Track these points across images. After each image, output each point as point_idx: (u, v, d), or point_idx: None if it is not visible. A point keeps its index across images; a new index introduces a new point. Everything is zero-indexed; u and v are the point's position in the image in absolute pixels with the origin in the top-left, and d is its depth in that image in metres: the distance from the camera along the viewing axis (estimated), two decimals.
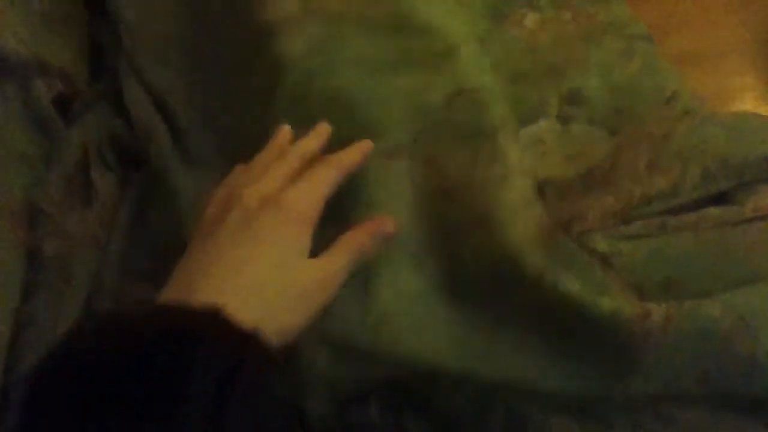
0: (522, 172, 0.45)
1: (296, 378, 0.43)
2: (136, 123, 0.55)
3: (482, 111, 0.47)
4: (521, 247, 0.43)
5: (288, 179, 0.41)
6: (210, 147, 0.53)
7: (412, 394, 0.44)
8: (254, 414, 0.31)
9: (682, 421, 0.41)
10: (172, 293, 0.37)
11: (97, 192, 0.54)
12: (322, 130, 0.45)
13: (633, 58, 0.56)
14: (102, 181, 0.55)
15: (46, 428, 0.29)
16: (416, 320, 0.43)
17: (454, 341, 0.43)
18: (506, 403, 0.42)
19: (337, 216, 0.44)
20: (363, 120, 0.47)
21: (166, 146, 0.53)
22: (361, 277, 0.43)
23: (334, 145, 0.45)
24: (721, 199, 0.47)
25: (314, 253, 0.40)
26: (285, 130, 0.46)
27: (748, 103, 0.60)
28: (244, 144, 0.50)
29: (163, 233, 0.52)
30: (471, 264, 0.44)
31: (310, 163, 0.43)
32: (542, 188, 0.48)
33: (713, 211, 0.46)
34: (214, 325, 0.32)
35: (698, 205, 0.46)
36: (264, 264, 0.38)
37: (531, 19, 0.59)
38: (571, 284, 0.41)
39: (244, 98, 0.52)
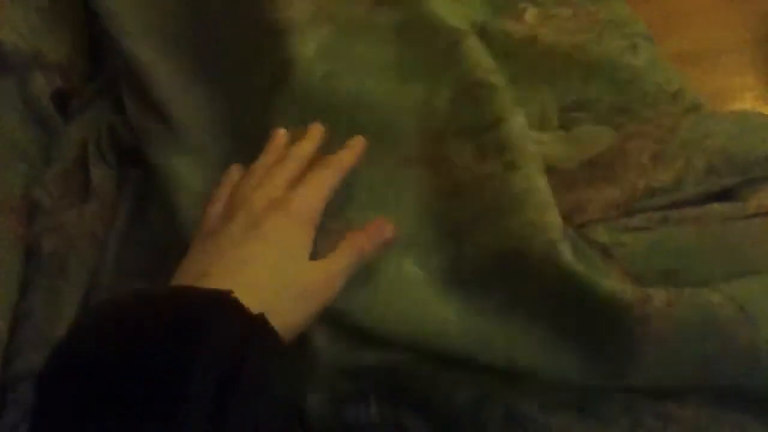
0: (530, 157, 0.45)
1: (298, 366, 0.43)
2: (134, 120, 0.55)
3: (484, 104, 0.47)
4: (528, 230, 0.43)
5: (290, 182, 0.43)
6: (209, 145, 0.53)
7: (412, 394, 0.44)
8: (255, 413, 0.31)
9: (683, 420, 0.41)
10: None
11: (95, 188, 0.54)
12: (317, 132, 0.47)
13: (637, 55, 0.56)
14: (100, 177, 0.55)
15: (47, 429, 0.29)
16: (417, 302, 0.44)
17: (457, 324, 0.43)
18: (506, 403, 0.42)
19: (343, 219, 0.44)
20: (373, 128, 0.47)
21: (164, 144, 0.53)
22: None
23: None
24: (724, 195, 0.47)
25: (316, 254, 0.41)
26: (281, 134, 0.47)
27: (747, 103, 0.60)
28: (243, 142, 0.50)
29: (161, 231, 0.52)
30: (476, 254, 0.45)
31: (309, 164, 0.44)
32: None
33: (716, 207, 0.46)
34: (220, 306, 0.33)
35: (701, 200, 0.47)
36: (265, 263, 0.39)
37: (531, 14, 0.59)
38: (576, 263, 0.41)
39: (245, 98, 0.52)
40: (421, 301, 0.44)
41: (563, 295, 0.42)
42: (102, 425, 0.28)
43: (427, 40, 0.50)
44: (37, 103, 0.55)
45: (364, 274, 0.43)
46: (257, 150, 0.46)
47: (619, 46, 0.57)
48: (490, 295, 0.44)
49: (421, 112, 0.48)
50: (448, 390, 0.43)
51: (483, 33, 0.56)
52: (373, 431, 0.44)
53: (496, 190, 0.45)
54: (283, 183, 0.43)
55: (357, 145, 0.46)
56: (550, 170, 0.49)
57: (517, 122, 0.47)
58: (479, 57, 0.49)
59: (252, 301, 0.34)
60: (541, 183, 0.45)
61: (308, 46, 0.50)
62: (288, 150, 0.46)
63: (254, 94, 0.51)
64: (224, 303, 0.33)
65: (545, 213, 0.43)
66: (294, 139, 0.47)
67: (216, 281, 0.37)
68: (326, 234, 0.42)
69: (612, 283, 0.41)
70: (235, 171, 0.47)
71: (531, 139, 0.49)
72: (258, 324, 0.33)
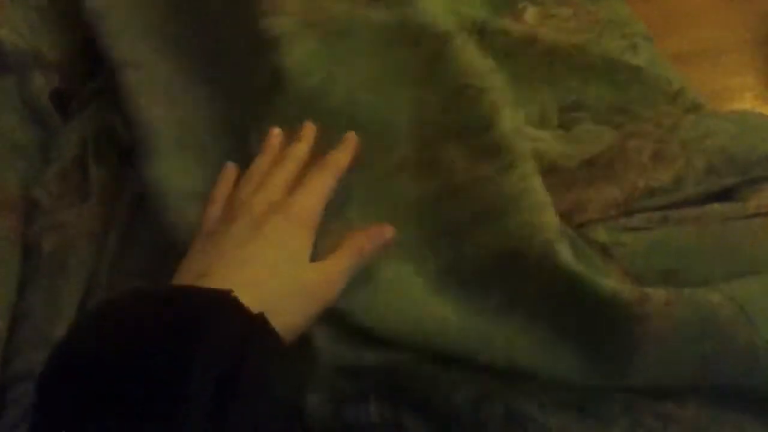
0: (524, 158, 0.45)
1: (298, 366, 0.43)
2: (132, 119, 0.55)
3: (474, 107, 0.47)
4: (525, 231, 0.43)
5: (289, 185, 0.43)
6: (209, 145, 0.53)
7: (412, 394, 0.44)
8: (255, 413, 0.31)
9: (683, 420, 0.41)
10: None
11: (94, 188, 0.54)
12: (310, 132, 0.47)
13: (637, 55, 0.56)
14: (99, 176, 0.54)
15: (48, 429, 0.29)
16: (417, 302, 0.44)
17: (456, 324, 0.43)
18: (505, 403, 0.42)
19: (342, 219, 0.44)
20: (367, 135, 0.47)
21: (162, 143, 0.53)
22: None
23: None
24: (724, 195, 0.47)
25: (316, 256, 0.41)
26: (275, 133, 0.47)
27: (747, 103, 0.60)
28: (243, 142, 0.50)
29: (161, 231, 0.52)
30: (475, 255, 0.45)
31: (306, 165, 0.45)
32: (544, 177, 0.48)
33: (716, 207, 0.46)
34: (220, 306, 0.33)
35: (701, 200, 0.47)
36: (266, 264, 0.39)
37: (531, 14, 0.59)
38: (575, 263, 0.41)
39: (245, 98, 0.52)
40: (420, 301, 0.44)
41: (562, 294, 0.42)
42: (102, 425, 0.28)
43: (414, 45, 0.50)
44: (36, 102, 0.55)
45: (363, 274, 0.43)
46: (257, 150, 0.47)
47: (619, 46, 0.57)
48: (489, 295, 0.44)
49: (412, 117, 0.48)
50: (448, 390, 0.43)
51: (482, 32, 0.56)
52: (373, 431, 0.44)
53: (491, 191, 0.45)
54: (281, 186, 0.43)
55: (350, 144, 0.46)
56: (551, 169, 0.49)
57: (509, 123, 0.46)
58: (467, 60, 0.49)
59: (252, 301, 0.34)
60: (537, 183, 0.45)
61: (297, 57, 0.49)
62: (284, 151, 0.46)
63: (254, 95, 0.51)
64: (224, 302, 0.33)
65: (541, 213, 0.43)
66: (289, 138, 0.47)
67: (216, 281, 0.37)
68: (325, 235, 0.43)
69: (611, 282, 0.41)
70: (231, 169, 0.47)
71: (529, 136, 0.49)
72: (258, 324, 0.34)
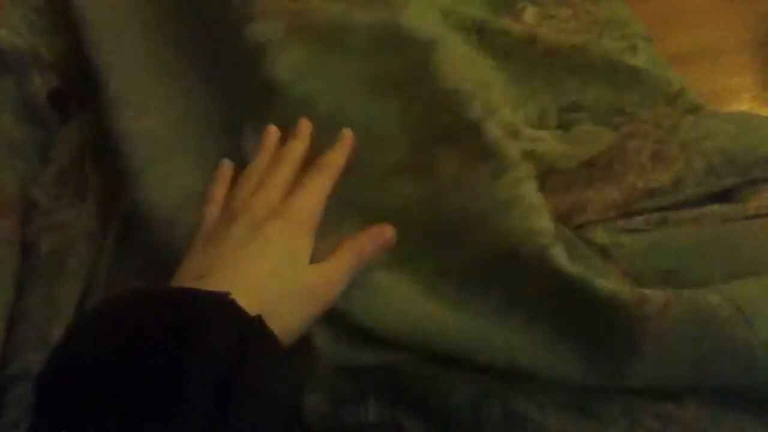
0: (515, 163, 0.45)
1: (297, 368, 0.43)
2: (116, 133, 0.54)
3: (460, 112, 0.47)
4: (518, 235, 0.43)
5: (288, 185, 0.43)
6: (210, 145, 0.53)
7: (411, 394, 0.44)
8: (254, 414, 0.31)
9: (682, 420, 0.41)
10: None
11: (93, 188, 0.54)
12: (306, 129, 0.47)
13: (637, 55, 0.56)
14: (97, 177, 0.54)
15: (47, 429, 0.29)
16: (417, 302, 0.44)
17: (456, 324, 0.43)
18: (504, 403, 0.42)
19: (341, 220, 0.44)
20: (359, 142, 0.47)
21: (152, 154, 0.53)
22: None
23: None
24: (723, 197, 0.47)
25: (314, 258, 0.41)
26: (272, 131, 0.47)
27: (745, 104, 0.60)
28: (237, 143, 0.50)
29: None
30: (470, 258, 0.45)
31: (303, 164, 0.45)
32: (544, 178, 0.48)
33: (715, 208, 0.46)
34: (218, 307, 0.33)
35: (701, 201, 0.47)
36: (265, 266, 0.39)
37: (530, 14, 0.59)
38: (572, 265, 0.41)
39: (245, 97, 0.52)
40: (419, 301, 0.44)
41: (561, 296, 0.42)
42: (101, 426, 0.28)
43: (400, 51, 0.49)
44: (35, 102, 0.55)
45: (363, 275, 0.43)
46: (256, 150, 0.47)
47: (618, 47, 0.57)
48: (489, 295, 0.44)
49: (402, 122, 0.48)
50: (447, 390, 0.43)
51: (482, 32, 0.56)
52: (372, 431, 0.44)
53: (483, 195, 0.44)
54: (280, 185, 0.43)
55: (346, 142, 0.46)
56: (550, 171, 0.49)
57: (498, 129, 0.46)
58: (454, 66, 0.49)
59: (251, 303, 0.34)
60: (529, 188, 0.45)
61: (285, 65, 0.49)
62: (282, 150, 0.46)
63: (251, 95, 0.51)
64: (222, 304, 0.33)
65: (533, 219, 0.43)
66: (285, 136, 0.47)
67: (215, 282, 0.36)
68: (324, 237, 0.42)
69: (610, 284, 0.41)
70: (227, 167, 0.47)
71: (528, 137, 0.49)
72: (256, 326, 0.33)
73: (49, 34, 0.57)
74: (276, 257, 0.39)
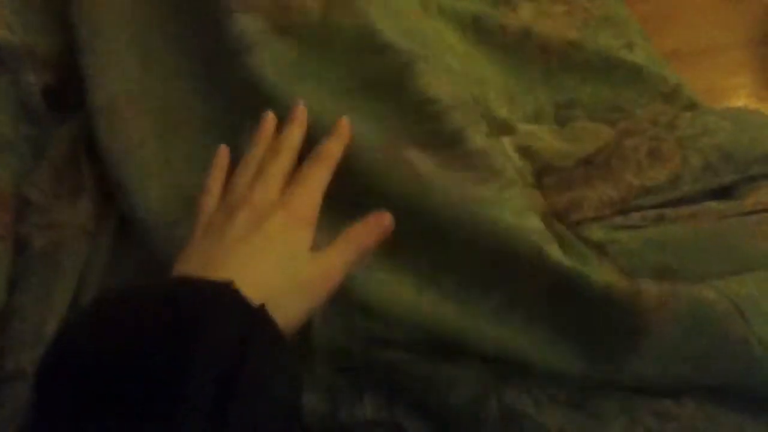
0: (498, 172, 0.45)
1: (297, 361, 0.43)
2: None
3: (439, 121, 0.47)
4: (514, 235, 0.43)
5: (286, 175, 0.43)
6: (209, 144, 0.52)
7: (409, 393, 0.44)
8: (255, 413, 0.30)
9: (680, 418, 0.41)
10: None
11: (87, 185, 0.53)
12: (301, 115, 0.46)
13: (633, 53, 0.56)
14: (92, 174, 0.54)
15: (46, 429, 0.29)
16: (412, 288, 0.44)
17: (455, 311, 0.43)
18: (502, 401, 0.42)
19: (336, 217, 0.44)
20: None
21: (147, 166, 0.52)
22: None
23: None
24: (721, 194, 0.47)
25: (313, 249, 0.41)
26: (269, 118, 0.47)
27: (742, 101, 0.60)
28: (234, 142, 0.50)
29: None
30: (465, 257, 0.45)
31: (301, 153, 0.45)
32: (540, 175, 0.48)
33: (712, 204, 0.46)
34: (220, 297, 0.33)
35: (698, 198, 0.47)
36: (267, 258, 0.39)
37: (526, 10, 0.59)
38: (566, 261, 0.41)
39: (234, 97, 0.51)
40: (414, 288, 0.44)
41: (560, 291, 0.42)
42: (101, 425, 0.28)
43: (381, 56, 0.49)
44: (29, 99, 0.55)
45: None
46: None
47: (615, 44, 0.57)
48: (489, 295, 0.44)
49: (383, 126, 0.47)
50: (446, 389, 0.43)
51: (478, 27, 0.56)
52: (370, 430, 0.44)
53: (470, 200, 0.44)
54: (279, 176, 0.43)
55: (342, 131, 0.46)
56: (547, 168, 0.49)
57: (482, 139, 0.46)
58: (435, 74, 0.48)
59: (255, 295, 0.33)
60: (514, 193, 0.44)
61: (267, 65, 0.49)
62: (279, 138, 0.45)
63: (242, 93, 0.51)
64: (224, 294, 0.33)
65: (522, 219, 0.43)
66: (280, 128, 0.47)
67: (218, 275, 0.36)
68: (321, 229, 0.42)
69: (606, 277, 0.41)
70: (223, 157, 0.46)
71: (525, 133, 0.49)
72: (259, 315, 0.33)
73: (44, 31, 0.57)
74: (277, 252, 0.39)
